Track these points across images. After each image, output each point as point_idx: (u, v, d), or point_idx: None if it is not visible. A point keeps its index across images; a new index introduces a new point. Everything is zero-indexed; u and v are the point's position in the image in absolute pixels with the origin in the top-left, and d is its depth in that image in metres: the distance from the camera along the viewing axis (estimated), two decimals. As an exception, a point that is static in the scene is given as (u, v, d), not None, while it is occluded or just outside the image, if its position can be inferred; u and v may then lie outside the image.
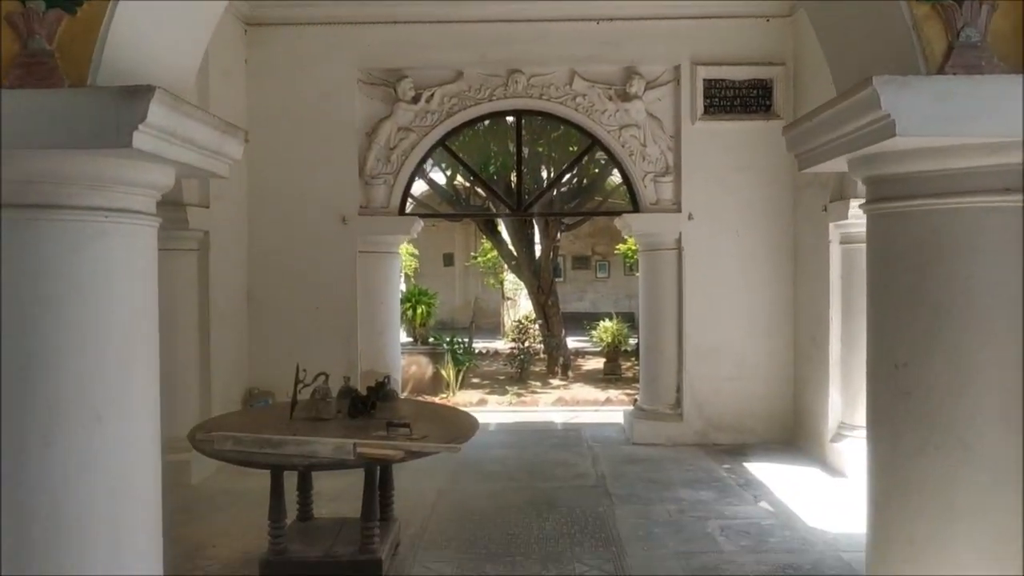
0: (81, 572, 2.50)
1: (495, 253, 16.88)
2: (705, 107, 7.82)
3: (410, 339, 15.08)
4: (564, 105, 7.99)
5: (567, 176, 12.45)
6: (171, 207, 6.13)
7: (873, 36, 2.76)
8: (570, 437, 8.50)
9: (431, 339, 14.79)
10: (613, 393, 11.96)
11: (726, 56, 7.79)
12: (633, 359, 13.51)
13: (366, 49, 7.88)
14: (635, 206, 8.17)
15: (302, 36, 7.84)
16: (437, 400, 10.86)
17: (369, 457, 3.86)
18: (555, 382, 13.58)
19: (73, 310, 2.49)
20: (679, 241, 7.94)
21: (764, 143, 7.65)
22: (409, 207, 8.77)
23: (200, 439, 4.09)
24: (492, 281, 20.75)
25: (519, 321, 15.85)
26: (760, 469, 6.83)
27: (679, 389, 7.99)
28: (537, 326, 14.91)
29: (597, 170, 13.17)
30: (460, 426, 4.49)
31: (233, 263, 7.56)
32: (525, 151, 10.66)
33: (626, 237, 12.46)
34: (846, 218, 6.45)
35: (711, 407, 7.87)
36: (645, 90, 7.91)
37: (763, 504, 5.89)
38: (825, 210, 6.89)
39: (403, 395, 9.22)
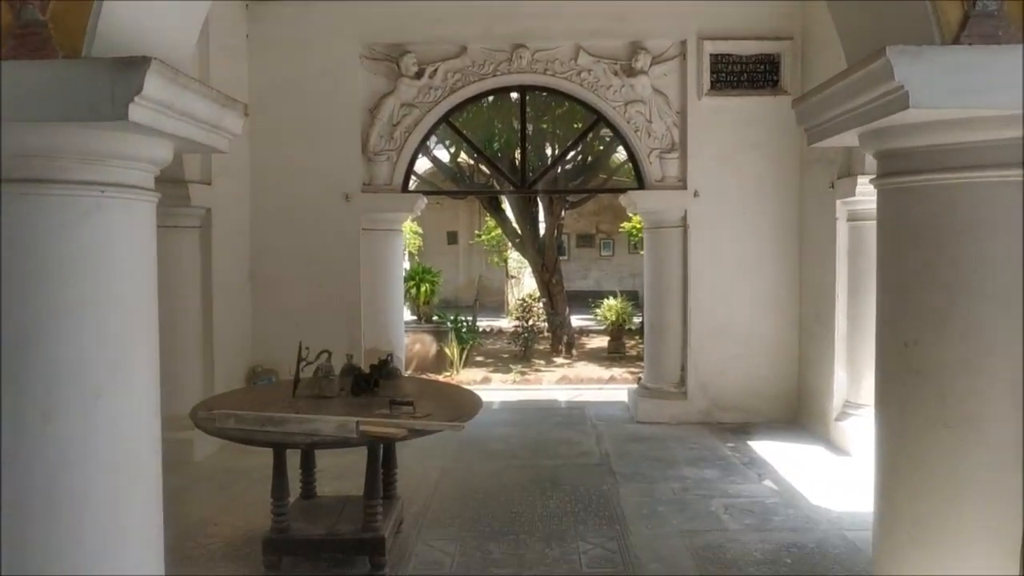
0: (80, 548, 2.49)
1: (499, 231, 16.84)
2: (712, 82, 7.71)
3: (414, 317, 15.06)
4: (569, 80, 7.88)
5: (572, 153, 12.35)
6: (173, 184, 6.10)
7: (886, 6, 2.69)
8: (574, 415, 8.49)
9: (435, 317, 14.76)
10: (617, 371, 11.96)
11: (733, 31, 7.68)
12: (637, 337, 13.50)
13: (369, 24, 7.77)
14: (640, 183, 8.08)
15: (304, 11, 7.74)
16: (441, 378, 10.85)
17: (372, 435, 3.85)
18: (559, 360, 13.59)
19: (72, 285, 2.47)
20: (684, 219, 7.87)
21: (771, 119, 7.58)
22: (412, 184, 8.70)
23: (202, 417, 4.08)
24: (496, 259, 20.72)
25: (523, 299, 15.84)
26: (764, 447, 6.82)
27: (684, 367, 7.96)
28: (541, 304, 14.88)
29: (602, 147, 13.08)
30: (463, 404, 4.47)
31: (235, 240, 7.53)
32: (529, 128, 10.57)
33: (631, 215, 12.41)
34: (853, 195, 6.38)
35: (715, 386, 7.84)
36: (651, 65, 7.79)
37: (767, 483, 5.88)
38: (832, 187, 6.82)
39: (406, 373, 9.21)
